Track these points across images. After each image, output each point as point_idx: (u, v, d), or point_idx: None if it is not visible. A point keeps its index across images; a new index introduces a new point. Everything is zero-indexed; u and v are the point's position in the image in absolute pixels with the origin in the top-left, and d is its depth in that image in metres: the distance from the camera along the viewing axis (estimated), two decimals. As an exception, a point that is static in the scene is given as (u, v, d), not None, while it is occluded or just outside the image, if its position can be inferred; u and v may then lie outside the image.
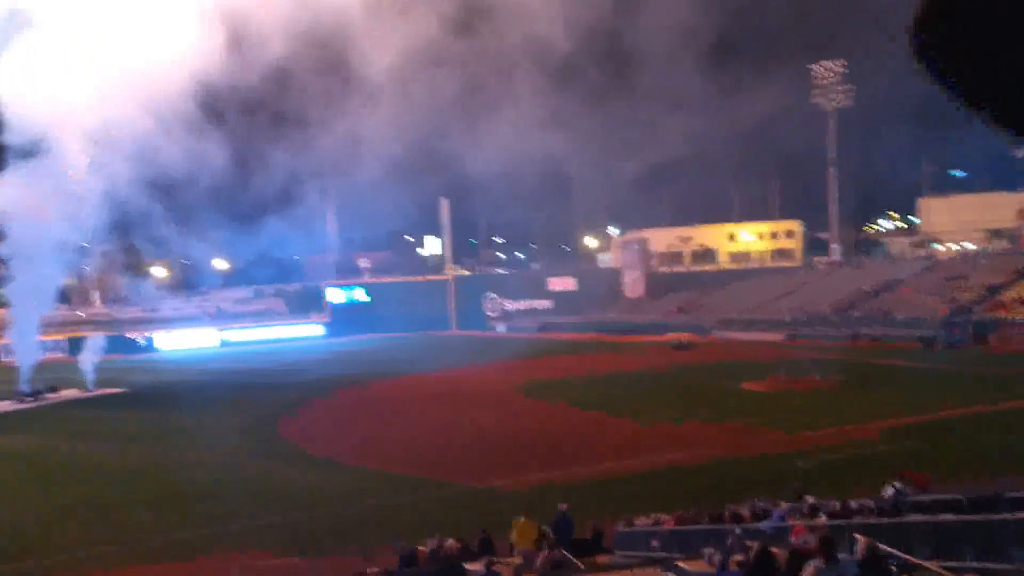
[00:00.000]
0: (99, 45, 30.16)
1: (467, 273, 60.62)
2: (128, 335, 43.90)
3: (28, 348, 31.58)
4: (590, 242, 67.43)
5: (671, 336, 39.44)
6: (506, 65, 30.64)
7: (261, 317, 51.89)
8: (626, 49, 37.40)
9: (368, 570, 10.08)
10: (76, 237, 32.86)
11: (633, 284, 55.52)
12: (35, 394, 29.84)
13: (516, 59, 30.03)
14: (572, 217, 67.97)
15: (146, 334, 47.28)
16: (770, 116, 44.57)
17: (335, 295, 54.07)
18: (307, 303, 53.79)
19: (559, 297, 54.30)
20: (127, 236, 41.64)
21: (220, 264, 58.03)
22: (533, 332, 47.58)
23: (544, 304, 53.92)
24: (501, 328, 51.47)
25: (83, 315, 37.72)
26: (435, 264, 64.99)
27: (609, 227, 67.04)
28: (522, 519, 10.58)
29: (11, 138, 30.67)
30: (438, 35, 31.32)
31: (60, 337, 37.35)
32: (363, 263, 62.66)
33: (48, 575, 11.45)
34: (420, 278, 57.40)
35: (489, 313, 53.72)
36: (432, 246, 69.04)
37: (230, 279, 58.26)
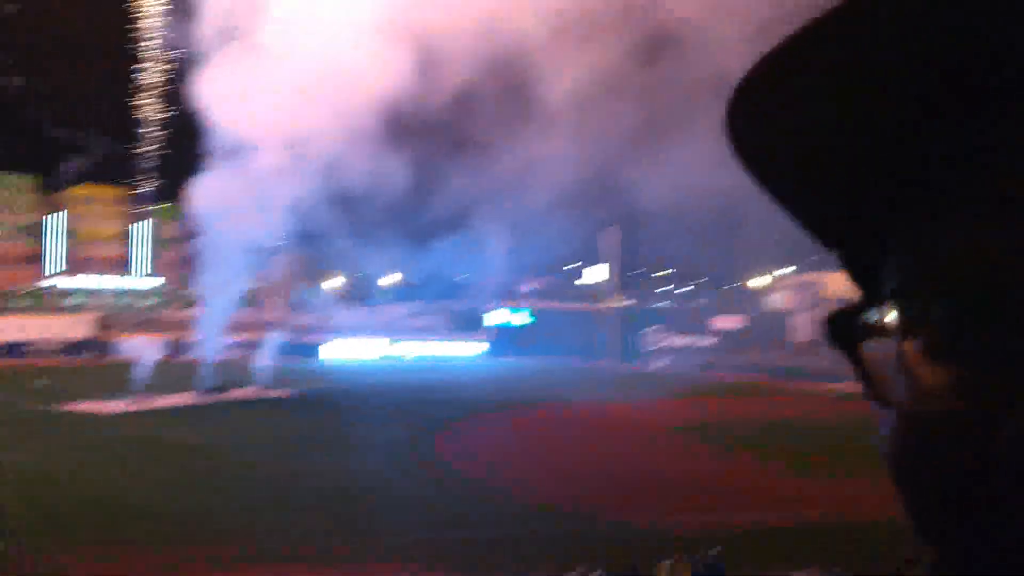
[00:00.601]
0: (296, 58, 32.03)
1: (630, 305, 60.26)
2: (302, 341, 45.85)
3: (213, 346, 33.83)
4: (759, 281, 65.87)
5: (839, 386, 37.70)
6: (687, 97, 30.16)
7: (425, 333, 53.18)
8: None
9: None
10: (265, 241, 34.96)
11: (803, 327, 53.64)
12: (214, 390, 31.84)
13: (698, 91, 29.55)
14: (741, 255, 66.30)
15: (318, 341, 49.54)
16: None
17: (497, 316, 55.01)
18: (469, 323, 54.90)
19: (723, 336, 52.96)
20: (309, 246, 43.75)
21: (390, 279, 60.18)
22: (694, 370, 46.55)
23: (707, 342, 52.71)
24: (661, 363, 50.63)
25: (263, 318, 39.85)
26: (597, 293, 64.97)
27: (779, 267, 65.35)
28: (673, 560, 10.30)
29: (212, 143, 33.08)
30: (621, 63, 31.24)
31: (241, 338, 39.50)
32: (525, 288, 63.52)
33: (197, 564, 12.02)
34: (583, 307, 57.54)
35: (650, 347, 52.93)
36: (594, 275, 69.17)
37: (398, 294, 60.18)
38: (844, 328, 0.38)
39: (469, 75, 31.92)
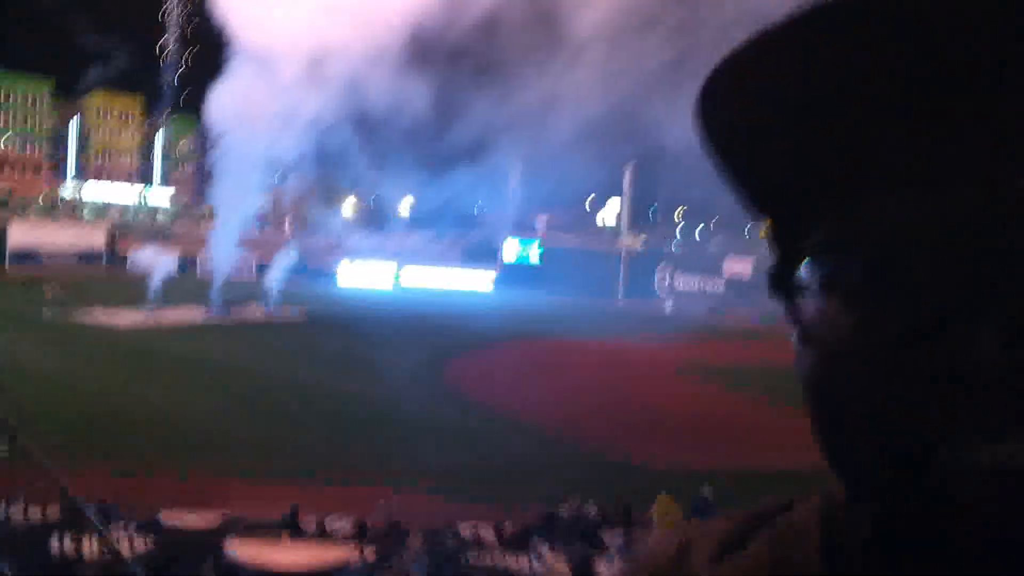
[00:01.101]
0: None
1: (641, 245, 60.12)
2: (314, 262, 46.01)
3: (225, 263, 34.09)
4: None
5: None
6: (716, 34, 29.35)
7: (437, 261, 53.27)
8: None
9: (505, 523, 10.41)
10: (281, 157, 34.92)
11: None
12: (225, 307, 32.20)
13: (727, 29, 28.72)
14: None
15: (330, 263, 49.77)
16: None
17: (510, 249, 55.06)
18: (482, 253, 54.93)
19: (733, 280, 52.91)
20: (324, 167, 43.69)
21: (404, 205, 60.20)
22: (703, 312, 46.62)
23: (717, 285, 52.66)
24: (671, 304, 50.67)
25: (276, 238, 40.08)
26: (611, 230, 64.90)
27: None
28: (665, 495, 10.60)
29: (232, 54, 32.75)
30: None
31: (254, 256, 39.81)
32: (540, 221, 63.37)
33: (210, 476, 12.39)
34: (594, 245, 57.49)
35: (660, 288, 52.94)
36: (608, 212, 69.02)
37: (412, 221, 60.17)
38: (783, 282, 0.47)
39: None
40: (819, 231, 0.43)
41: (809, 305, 0.45)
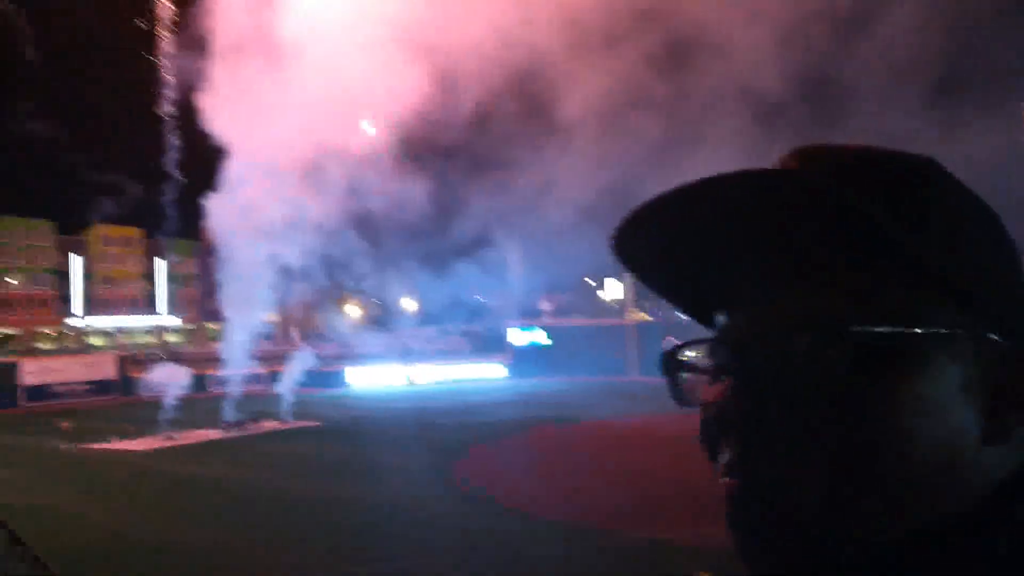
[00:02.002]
0: (310, 79, 32.17)
1: (648, 318, 60.22)
2: (324, 370, 46.09)
3: (236, 379, 34.19)
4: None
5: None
6: (707, 107, 29.90)
7: (446, 356, 53.38)
8: (835, 91, 35.55)
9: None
10: (283, 270, 35.26)
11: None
12: (239, 424, 32.18)
13: (718, 101, 29.21)
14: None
15: (339, 370, 49.88)
16: (989, 157, 41.77)
17: (516, 336, 55.16)
18: (490, 344, 55.04)
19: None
20: (326, 273, 44.07)
21: (409, 304, 60.54)
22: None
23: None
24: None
25: (284, 349, 40.26)
26: (616, 308, 64.99)
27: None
28: (707, 573, 10.40)
29: (226, 168, 33.31)
30: (639, 75, 31.09)
31: (263, 369, 39.87)
32: (545, 306, 63.66)
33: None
34: (600, 322, 57.60)
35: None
36: (613, 290, 69.21)
37: (417, 319, 60.42)
38: (670, 362, 0.77)
39: (484, 94, 31.92)
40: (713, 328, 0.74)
41: (687, 381, 0.81)
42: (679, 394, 0.79)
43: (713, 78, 29.97)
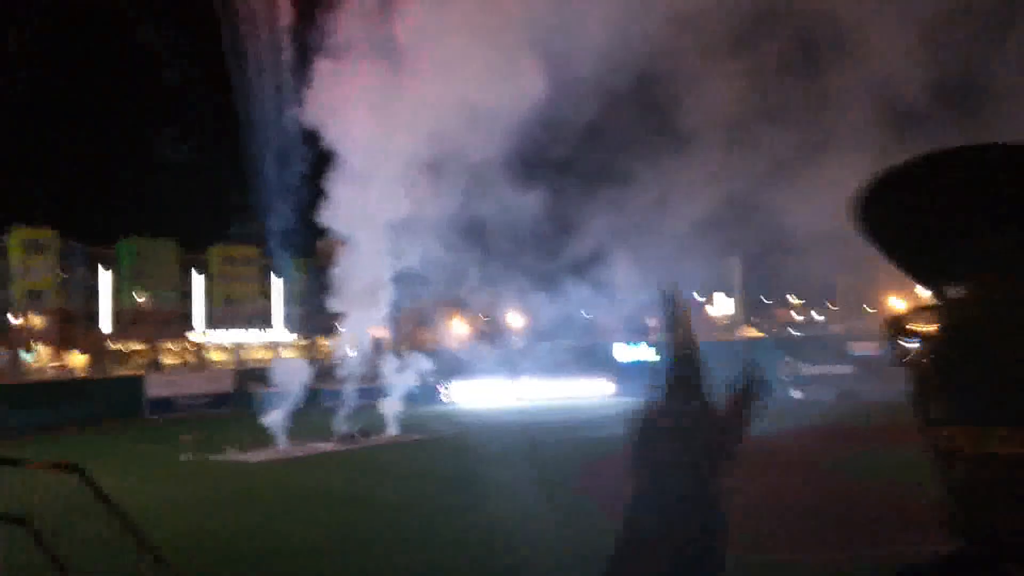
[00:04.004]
0: (427, 89, 32.28)
1: (760, 335, 58.76)
2: (432, 385, 46.44)
3: (348, 393, 34.84)
4: (897, 304, 63.23)
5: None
6: (831, 113, 28.48)
7: (553, 372, 53.11)
8: (978, 95, 33.11)
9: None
10: (395, 282, 35.68)
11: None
12: (351, 436, 32.73)
13: (844, 106, 27.74)
14: (878, 276, 63.76)
15: (449, 384, 50.25)
16: None
17: (622, 353, 54.54)
18: (597, 361, 54.58)
19: (862, 363, 50.80)
20: (436, 289, 44.44)
21: (517, 320, 60.66)
22: (831, 400, 44.77)
23: (844, 370, 50.64)
24: (796, 394, 48.75)
25: (394, 364, 40.74)
26: (726, 324, 63.69)
27: (915, 290, 62.47)
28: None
29: (339, 179, 33.82)
30: (764, 80, 29.85)
31: (375, 383, 40.43)
32: (652, 322, 62.78)
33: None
34: (712, 338, 56.45)
35: (783, 378, 51.08)
36: (722, 305, 67.86)
37: (526, 335, 60.41)
38: (895, 326, 0.90)
39: (598, 104, 31.34)
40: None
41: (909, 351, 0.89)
42: (899, 356, 0.86)
43: (840, 81, 28.46)
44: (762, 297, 69.80)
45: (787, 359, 51.81)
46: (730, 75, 29.86)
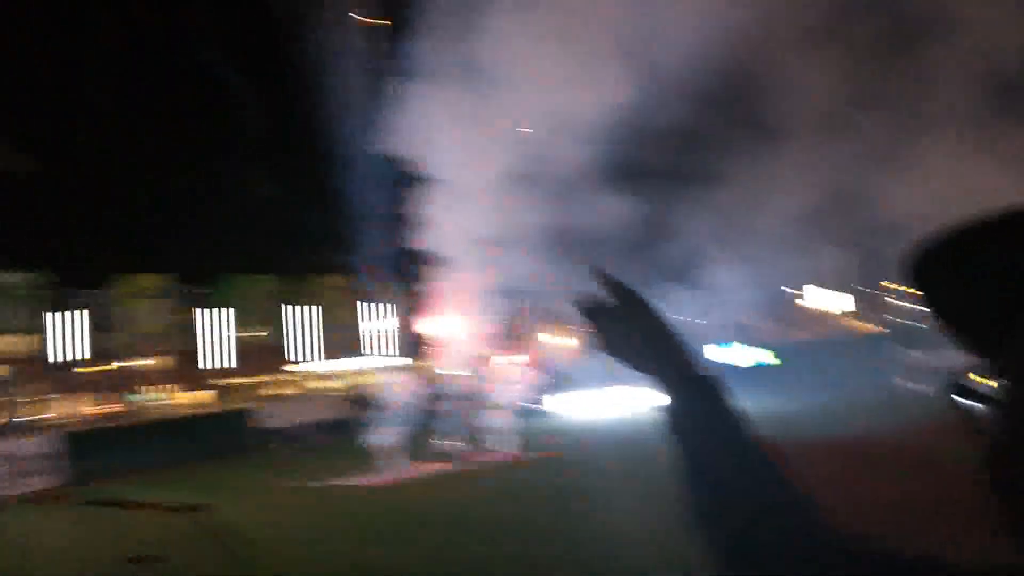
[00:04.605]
0: (511, 96, 31.91)
1: (873, 328, 56.54)
2: (539, 398, 45.92)
3: (455, 412, 34.70)
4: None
5: None
6: (936, 95, 27.01)
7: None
8: None
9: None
10: (494, 297, 35.41)
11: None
12: (461, 455, 32.56)
13: (947, 88, 26.22)
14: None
15: (552, 398, 49.75)
16: None
17: (728, 355, 53.12)
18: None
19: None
20: (533, 300, 44.07)
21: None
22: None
23: (967, 360, 48.01)
24: (914, 386, 46.43)
25: (497, 379, 40.42)
26: (834, 319, 61.58)
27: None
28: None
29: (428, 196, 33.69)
30: (864, 63, 28.47)
31: (477, 403, 40.12)
32: (756, 322, 61.09)
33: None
34: (820, 334, 54.65)
35: (901, 371, 48.80)
36: (814, 297, 65.74)
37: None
38: (961, 391, 0.86)
39: (694, 99, 30.47)
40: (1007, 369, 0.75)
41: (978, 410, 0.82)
42: (974, 425, 0.77)
43: (938, 58, 26.89)
44: (869, 289, 67.50)
45: (902, 350, 49.52)
46: (823, 62, 28.71)
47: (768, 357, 52.92)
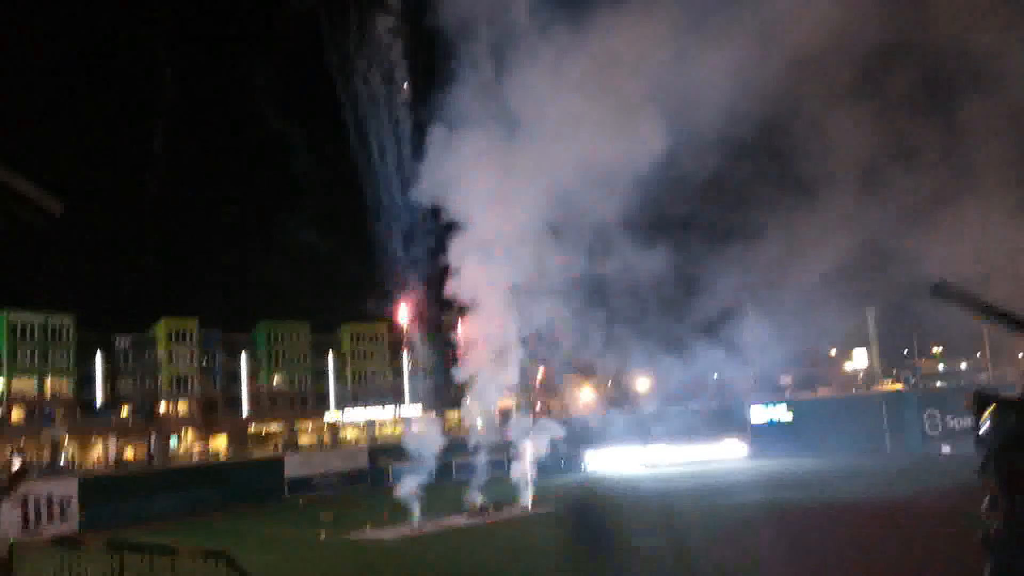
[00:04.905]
0: (544, 152, 32.29)
1: (901, 388, 55.94)
2: (562, 454, 45.87)
3: (479, 466, 34.90)
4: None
5: None
6: (970, 154, 26.77)
7: (684, 436, 51.88)
8: None
9: None
10: (520, 352, 35.60)
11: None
12: (483, 510, 32.65)
13: (981, 146, 25.97)
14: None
15: (579, 452, 49.68)
16: None
17: (757, 414, 52.86)
18: (727, 422, 53.04)
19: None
20: (559, 355, 44.17)
21: (645, 383, 59.74)
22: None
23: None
24: (945, 449, 45.95)
25: (523, 435, 40.54)
26: (863, 379, 61.06)
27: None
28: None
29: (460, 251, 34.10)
30: (890, 121, 28.41)
31: (504, 457, 40.37)
32: (785, 380, 60.75)
33: None
34: (847, 394, 54.22)
35: (930, 432, 48.29)
36: (859, 359, 65.15)
37: (655, 399, 59.22)
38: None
39: (724, 156, 30.69)
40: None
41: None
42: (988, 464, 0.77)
43: (973, 115, 26.75)
44: (903, 349, 66.78)
45: (930, 412, 48.93)
46: (857, 117, 28.71)
47: (783, 414, 52.64)
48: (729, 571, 19.09)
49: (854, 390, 59.28)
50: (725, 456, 50.07)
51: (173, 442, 70.74)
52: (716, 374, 61.96)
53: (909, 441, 47.22)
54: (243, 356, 77.56)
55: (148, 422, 69.83)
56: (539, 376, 53.43)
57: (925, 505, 26.37)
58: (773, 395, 55.46)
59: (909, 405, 49.88)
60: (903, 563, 18.51)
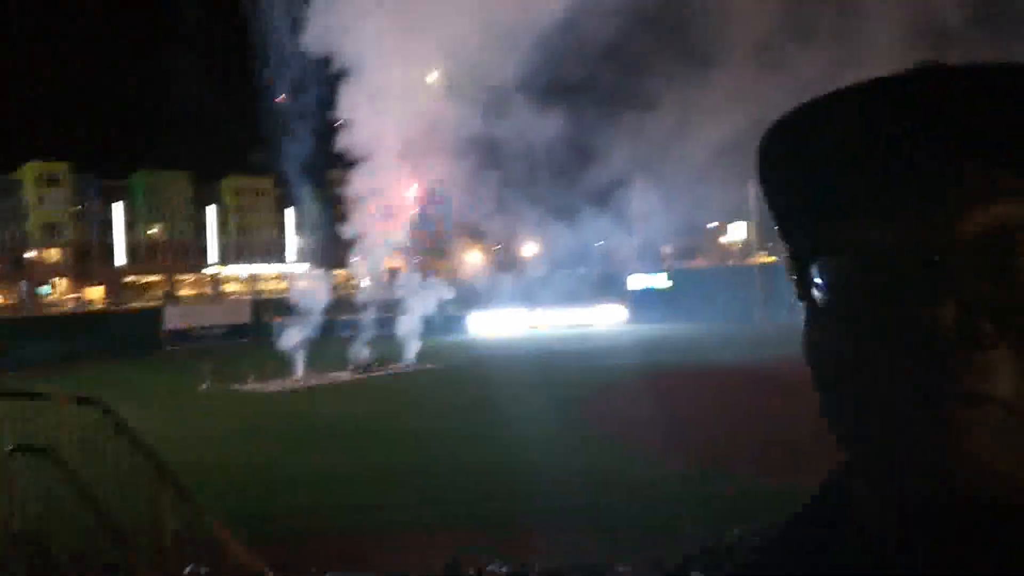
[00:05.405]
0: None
1: (774, 260, 58.27)
2: (447, 314, 46.55)
3: (363, 324, 35.09)
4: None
5: None
6: (864, 32, 27.14)
7: (566, 301, 53.12)
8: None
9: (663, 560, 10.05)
10: (410, 213, 35.41)
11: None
12: (366, 366, 33.06)
13: (877, 25, 26.28)
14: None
15: (462, 315, 50.45)
16: None
17: (636, 281, 54.55)
18: (610, 288, 54.58)
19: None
20: (450, 217, 44.16)
21: (530, 248, 60.49)
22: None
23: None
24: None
25: (408, 294, 40.86)
26: (740, 252, 63.38)
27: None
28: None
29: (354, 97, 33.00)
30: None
31: (388, 314, 40.73)
32: (666, 250, 62.55)
33: (363, 531, 12.50)
34: (723, 264, 56.33)
35: (797, 304, 50.53)
36: (736, 232, 67.37)
37: (540, 264, 60.11)
38: (798, 270, 0.63)
39: (623, 23, 30.38)
40: (828, 238, 0.58)
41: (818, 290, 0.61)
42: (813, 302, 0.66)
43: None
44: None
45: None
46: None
47: (662, 282, 54.53)
48: (603, 418, 20.09)
49: (731, 262, 61.56)
50: (606, 321, 51.73)
51: (46, 290, 68.15)
52: (602, 241, 63.07)
53: (779, 311, 49.55)
54: (119, 204, 74.35)
55: (16, 268, 66.89)
56: (426, 239, 53.41)
57: (786, 371, 27.96)
58: (654, 264, 57.20)
59: (780, 277, 51.84)
60: (758, 420, 19.71)
